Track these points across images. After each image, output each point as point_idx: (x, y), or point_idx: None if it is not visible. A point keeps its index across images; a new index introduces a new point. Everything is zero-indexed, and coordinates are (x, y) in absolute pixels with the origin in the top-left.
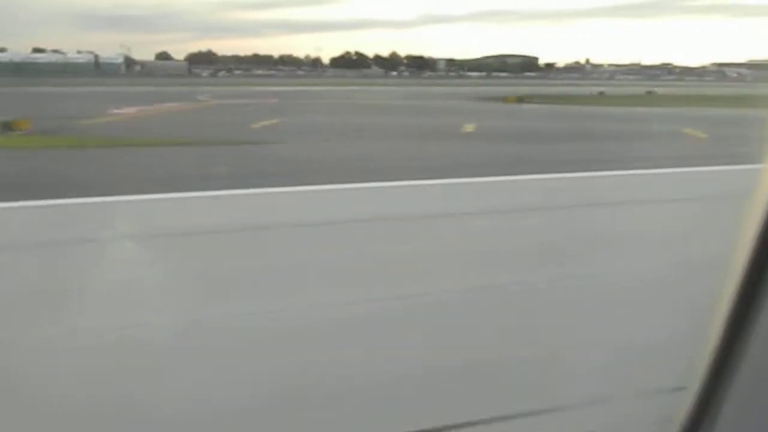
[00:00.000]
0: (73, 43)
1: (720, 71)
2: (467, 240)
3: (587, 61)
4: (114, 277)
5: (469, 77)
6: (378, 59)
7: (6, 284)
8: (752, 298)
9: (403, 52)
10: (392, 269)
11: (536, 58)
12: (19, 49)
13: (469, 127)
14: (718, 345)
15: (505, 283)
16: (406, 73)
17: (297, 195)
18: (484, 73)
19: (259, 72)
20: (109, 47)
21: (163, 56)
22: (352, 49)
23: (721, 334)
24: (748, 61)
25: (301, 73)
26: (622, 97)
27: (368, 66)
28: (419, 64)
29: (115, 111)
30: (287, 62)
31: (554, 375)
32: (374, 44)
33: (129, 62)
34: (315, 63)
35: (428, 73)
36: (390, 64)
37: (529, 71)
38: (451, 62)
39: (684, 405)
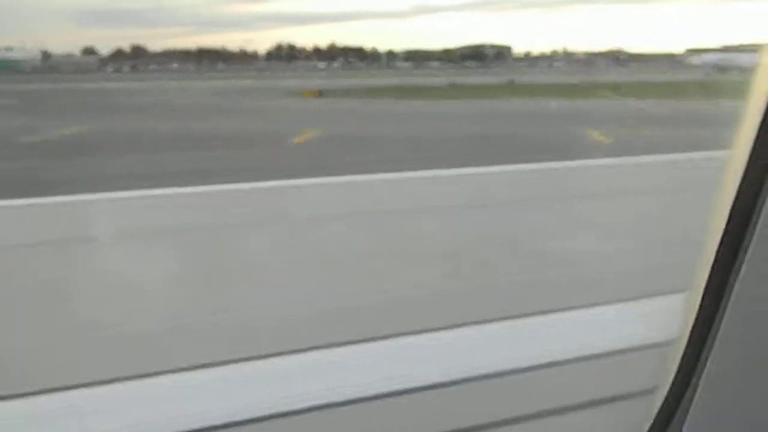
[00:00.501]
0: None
1: (671, 58)
2: None
3: (551, 50)
4: None
5: (399, 68)
6: (318, 52)
7: None
8: (720, 294)
9: (342, 45)
10: None
11: (484, 48)
12: None
13: (34, 138)
14: (687, 342)
15: None
16: (335, 65)
17: None
18: (415, 63)
19: (175, 66)
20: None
21: (89, 51)
22: (285, 43)
23: (689, 332)
24: (722, 46)
25: (221, 67)
26: (463, 88)
27: (303, 59)
28: (359, 56)
29: None
30: (220, 57)
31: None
32: (335, 37)
33: (45, 57)
34: (242, 57)
35: (361, 65)
36: (327, 56)
37: (474, 59)
38: (390, 54)
39: (654, 406)
